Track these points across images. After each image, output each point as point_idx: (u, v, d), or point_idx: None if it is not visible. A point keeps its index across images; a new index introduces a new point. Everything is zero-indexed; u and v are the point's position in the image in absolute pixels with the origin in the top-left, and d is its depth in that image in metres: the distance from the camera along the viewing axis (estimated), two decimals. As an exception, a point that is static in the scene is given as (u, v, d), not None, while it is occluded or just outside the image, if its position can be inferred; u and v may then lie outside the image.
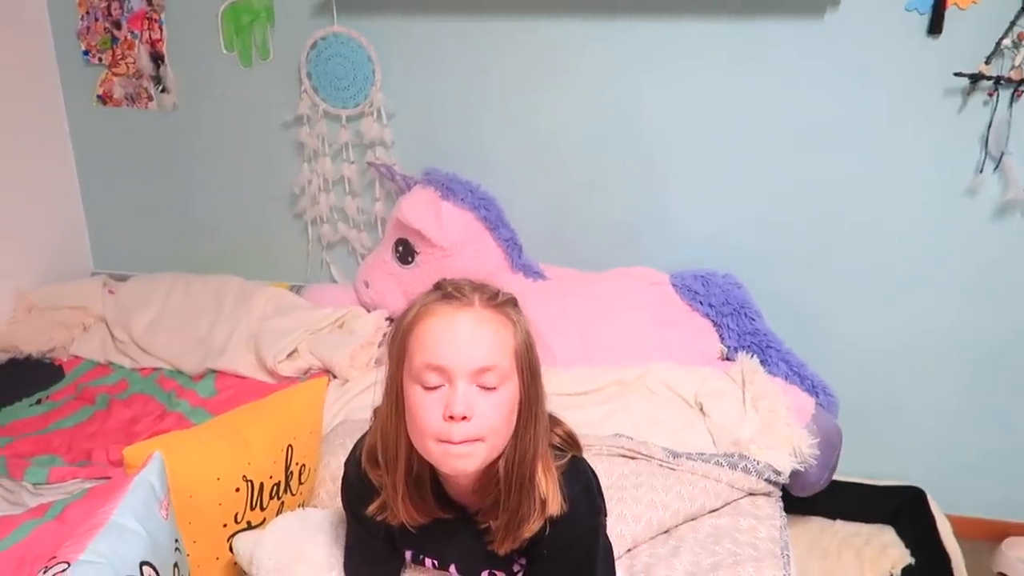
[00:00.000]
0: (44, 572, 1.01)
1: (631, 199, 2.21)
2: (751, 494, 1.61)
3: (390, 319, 2.22)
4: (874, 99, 1.98)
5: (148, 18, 2.33)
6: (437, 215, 2.12)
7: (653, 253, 2.21)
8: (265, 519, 1.38)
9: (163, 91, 2.40)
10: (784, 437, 1.70)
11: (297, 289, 2.41)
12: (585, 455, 1.17)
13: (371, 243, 2.41)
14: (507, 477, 1.03)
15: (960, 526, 2.12)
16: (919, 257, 2.08)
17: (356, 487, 1.14)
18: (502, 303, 1.04)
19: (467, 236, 2.14)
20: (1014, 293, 2.05)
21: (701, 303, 2.09)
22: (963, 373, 2.15)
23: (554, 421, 1.14)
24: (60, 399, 2.07)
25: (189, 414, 1.94)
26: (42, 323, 2.28)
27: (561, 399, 1.80)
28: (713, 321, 2.08)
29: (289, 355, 2.10)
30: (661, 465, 1.62)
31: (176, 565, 1.17)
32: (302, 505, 1.49)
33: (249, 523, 1.36)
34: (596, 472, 1.17)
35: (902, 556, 2.10)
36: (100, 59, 2.40)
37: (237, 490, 1.34)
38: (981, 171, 1.97)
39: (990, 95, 1.91)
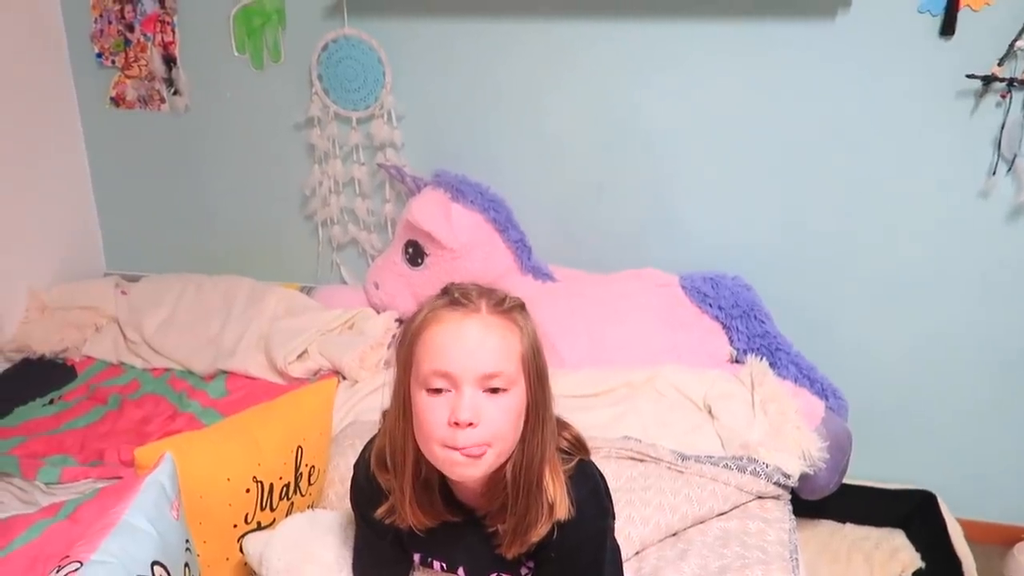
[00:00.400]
0: (56, 571, 1.03)
1: (640, 200, 2.21)
2: (760, 497, 1.61)
3: (400, 320, 2.22)
4: (885, 101, 1.97)
5: (161, 21, 2.35)
6: (447, 217, 2.12)
7: (662, 255, 2.21)
8: (275, 520, 1.38)
9: (175, 93, 2.41)
10: (793, 440, 1.70)
11: (307, 290, 2.42)
12: (593, 457, 1.17)
13: (381, 245, 2.42)
14: (515, 481, 1.04)
15: (971, 530, 2.10)
16: (931, 259, 2.07)
17: (365, 490, 1.15)
18: (509, 308, 1.04)
19: (477, 238, 2.15)
20: (1027, 296, 2.04)
21: (710, 305, 2.08)
22: (975, 376, 2.13)
23: (561, 425, 1.14)
24: (72, 399, 2.08)
25: (200, 415, 1.96)
26: (55, 323, 2.30)
27: (570, 401, 1.81)
28: (722, 323, 2.08)
29: (299, 356, 2.11)
30: (669, 468, 1.62)
31: (187, 565, 1.18)
32: (311, 506, 1.49)
33: (259, 524, 1.37)
34: (604, 475, 1.18)
35: (912, 560, 2.09)
36: (113, 61, 2.42)
37: (247, 491, 1.35)
38: (994, 173, 1.96)
39: (1003, 97, 1.89)
